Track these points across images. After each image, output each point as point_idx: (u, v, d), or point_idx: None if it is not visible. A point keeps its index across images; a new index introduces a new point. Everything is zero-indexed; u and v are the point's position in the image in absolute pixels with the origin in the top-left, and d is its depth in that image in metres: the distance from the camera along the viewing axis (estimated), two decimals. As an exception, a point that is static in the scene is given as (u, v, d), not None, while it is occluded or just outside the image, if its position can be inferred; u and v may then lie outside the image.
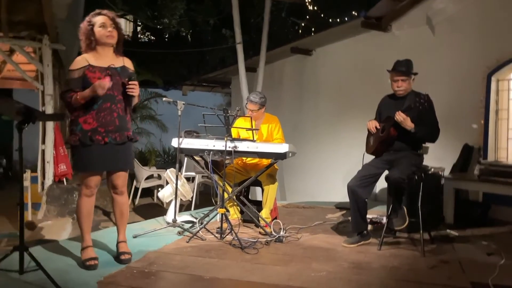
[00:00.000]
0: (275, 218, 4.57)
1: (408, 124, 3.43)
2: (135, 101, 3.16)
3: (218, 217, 3.89)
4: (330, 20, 12.67)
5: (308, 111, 7.31)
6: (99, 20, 2.95)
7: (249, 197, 4.99)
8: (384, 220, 4.51)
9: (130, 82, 2.98)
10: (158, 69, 13.66)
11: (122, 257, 3.09)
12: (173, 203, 4.22)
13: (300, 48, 7.07)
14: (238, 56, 6.78)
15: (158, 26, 14.42)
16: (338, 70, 6.76)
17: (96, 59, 2.94)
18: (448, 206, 4.52)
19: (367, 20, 5.79)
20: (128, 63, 3.12)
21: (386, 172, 3.64)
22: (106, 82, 2.86)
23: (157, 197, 5.68)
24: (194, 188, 6.33)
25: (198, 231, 3.76)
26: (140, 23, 17.18)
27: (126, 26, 19.30)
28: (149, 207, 7.78)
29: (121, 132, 2.98)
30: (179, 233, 3.87)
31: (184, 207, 6.03)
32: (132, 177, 8.14)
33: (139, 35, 18.48)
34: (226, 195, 3.99)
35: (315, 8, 12.08)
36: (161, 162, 9.68)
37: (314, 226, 4.40)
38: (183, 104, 3.86)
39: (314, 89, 7.18)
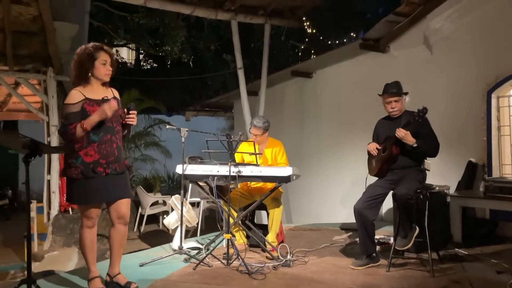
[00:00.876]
0: (282, 241, 4.54)
1: (410, 139, 3.46)
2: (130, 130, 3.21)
3: (224, 242, 3.88)
4: (329, 42, 12.87)
5: (310, 133, 7.34)
6: (101, 57, 2.96)
7: (255, 221, 4.98)
8: (392, 240, 4.49)
9: (130, 112, 3.04)
10: (161, 95, 13.80)
11: (132, 286, 3.05)
12: (178, 230, 4.22)
13: (300, 71, 7.16)
14: (239, 81, 6.88)
15: (160, 54, 14.69)
16: (338, 92, 6.83)
17: (89, 92, 2.95)
18: (455, 224, 4.49)
19: (365, 42, 5.88)
20: (116, 94, 3.14)
21: (391, 192, 3.64)
22: (114, 104, 2.92)
23: (163, 223, 5.65)
24: (199, 214, 6.33)
25: (204, 258, 3.74)
26: (142, 51, 17.50)
27: (129, 54, 19.67)
28: (155, 234, 7.75)
29: (119, 162, 2.99)
30: (186, 260, 3.85)
31: (190, 233, 6.01)
32: (137, 204, 8.16)
33: (141, 63, 18.78)
34: (231, 220, 3.99)
35: (314, 31, 12.28)
36: (165, 188, 9.69)
37: (321, 248, 4.37)
38: (187, 131, 3.90)
39: (315, 111, 7.24)
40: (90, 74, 2.95)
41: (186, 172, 3.93)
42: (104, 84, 3.05)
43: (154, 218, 8.24)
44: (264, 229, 4.35)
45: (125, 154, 3.20)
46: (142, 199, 7.84)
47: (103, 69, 2.97)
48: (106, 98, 2.99)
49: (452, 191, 4.72)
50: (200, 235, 5.83)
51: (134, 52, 18.85)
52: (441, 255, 3.82)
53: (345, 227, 5.42)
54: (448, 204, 4.49)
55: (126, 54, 19.67)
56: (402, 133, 3.45)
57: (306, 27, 11.32)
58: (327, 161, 6.94)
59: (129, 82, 12.16)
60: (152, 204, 7.96)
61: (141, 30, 12.44)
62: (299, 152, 7.12)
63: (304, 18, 9.22)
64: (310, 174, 6.93)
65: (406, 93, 3.69)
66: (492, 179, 4.44)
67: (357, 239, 4.71)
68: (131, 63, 19.05)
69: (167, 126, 3.96)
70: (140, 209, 7.99)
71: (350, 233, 5.13)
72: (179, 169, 3.96)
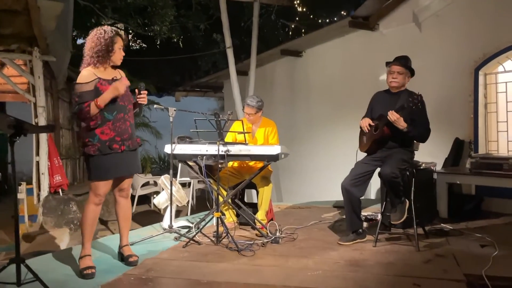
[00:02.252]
0: (271, 219, 4.60)
1: (401, 123, 3.47)
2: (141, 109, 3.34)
3: (214, 221, 3.91)
4: (320, 21, 12.76)
5: (300, 112, 7.35)
6: (119, 42, 3.09)
7: (245, 199, 5.02)
8: (379, 217, 4.57)
9: (142, 92, 3.20)
10: (151, 76, 13.70)
11: (131, 259, 3.20)
12: (168, 209, 4.24)
13: (290, 50, 7.12)
14: (228, 60, 6.82)
15: (149, 34, 14.49)
16: (328, 70, 6.82)
17: (101, 73, 3.04)
18: (441, 200, 4.57)
19: (354, 20, 5.84)
20: (123, 74, 3.24)
21: (379, 169, 3.68)
22: (126, 82, 3.07)
23: (154, 204, 5.67)
24: (190, 193, 6.36)
25: (194, 236, 3.78)
26: (131, 31, 17.24)
27: (120, 33, 19.32)
28: (146, 214, 7.78)
29: (133, 139, 3.17)
30: (176, 238, 3.89)
31: (181, 212, 6.05)
32: (128, 185, 8.14)
33: (131, 43, 18.54)
34: (221, 199, 4.02)
35: (304, 9, 12.15)
36: (156, 169, 9.68)
37: (310, 226, 4.43)
38: (175, 110, 3.89)
39: (306, 90, 7.23)
40: (110, 56, 3.04)
41: (175, 152, 3.93)
42: (113, 66, 3.16)
43: (145, 199, 8.26)
44: (254, 207, 4.39)
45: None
46: (133, 180, 7.77)
47: (119, 54, 3.10)
48: (115, 78, 3.10)
49: (439, 168, 4.78)
50: (191, 214, 5.87)
51: (123, 32, 18.56)
52: (427, 230, 3.89)
53: (337, 205, 5.48)
54: (435, 181, 4.55)
55: (116, 34, 19.34)
56: (394, 117, 3.45)
57: (296, 5, 11.20)
58: (319, 141, 6.97)
59: (123, 62, 11.93)
60: (143, 185, 7.97)
61: (129, 9, 12.20)
62: (290, 132, 7.14)
63: (294, -4, 9.13)
64: (301, 154, 6.97)
65: (412, 70, 3.67)
66: (478, 155, 4.50)
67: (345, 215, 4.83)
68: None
69: (155, 106, 3.94)
70: (131, 190, 7.98)
71: (340, 210, 5.19)
72: (167, 149, 3.95)
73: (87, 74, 3.01)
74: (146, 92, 3.24)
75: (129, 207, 3.36)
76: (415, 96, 3.40)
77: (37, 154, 6.27)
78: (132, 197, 7.93)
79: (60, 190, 6.45)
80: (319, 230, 4.26)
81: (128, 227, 3.37)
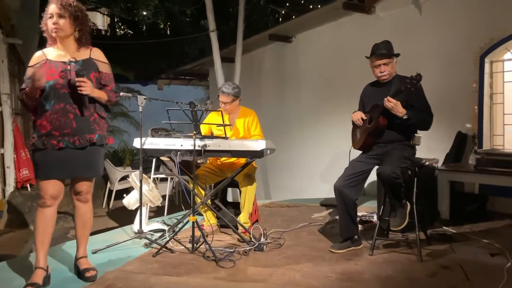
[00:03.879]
0: (256, 221, 4.17)
1: (400, 110, 3.03)
2: (101, 98, 2.71)
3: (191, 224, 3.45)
4: (311, 6, 12.23)
5: (290, 102, 6.90)
6: (48, 10, 2.61)
7: (228, 199, 4.57)
8: (375, 218, 4.16)
9: (77, 79, 2.55)
10: (135, 63, 13.17)
11: (88, 274, 2.73)
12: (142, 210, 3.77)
13: (279, 35, 6.63)
14: (212, 45, 6.29)
15: (134, 19, 13.90)
16: (320, 57, 6.35)
17: (56, 53, 2.65)
18: (443, 200, 4.16)
19: (349, 1, 5.36)
20: (96, 55, 2.73)
21: (376, 168, 3.26)
22: (40, 71, 2.50)
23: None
24: (168, 188, 5.86)
25: (166, 243, 3.31)
26: (117, 17, 16.65)
27: (104, 20, 18.72)
28: (124, 210, 7.20)
29: (81, 135, 2.62)
30: (146, 245, 3.43)
31: (158, 211, 5.58)
32: (106, 178, 7.65)
33: (116, 29, 17.96)
34: (198, 200, 3.56)
35: (295, -7, 11.62)
36: (137, 161, 9.15)
37: (299, 228, 4.00)
38: (144, 98, 3.40)
39: (296, 78, 6.76)
40: (48, 31, 2.64)
41: (145, 146, 3.45)
42: (79, 43, 2.67)
43: (123, 194, 7.75)
44: (238, 207, 3.94)
45: (101, 128, 2.78)
46: (110, 173, 7.33)
47: (49, 23, 2.61)
48: (73, 59, 2.62)
49: (440, 164, 4.37)
50: (171, 214, 5.42)
51: (107, 18, 17.96)
52: (429, 235, 3.49)
53: (325, 203, 5.07)
54: (436, 178, 4.13)
55: (101, 20, 18.83)
56: (391, 103, 3.02)
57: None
58: (309, 133, 6.53)
59: (103, 48, 11.43)
60: (122, 179, 7.45)
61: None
62: (279, 123, 6.69)
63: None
64: (290, 147, 6.53)
65: (397, 55, 3.24)
66: (484, 151, 4.09)
67: (337, 217, 4.40)
68: (106, 30, 18.19)
69: (121, 93, 3.44)
70: (108, 184, 7.49)
71: (331, 209, 4.78)
72: (136, 143, 3.47)
73: (36, 56, 2.67)
74: (84, 79, 2.53)
75: (86, 213, 2.85)
76: (413, 76, 2.94)
77: (2, 146, 5.74)
78: (110, 191, 7.45)
79: (28, 185, 5.94)
80: (309, 234, 3.82)
81: (86, 236, 2.89)
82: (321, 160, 6.31)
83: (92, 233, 3.32)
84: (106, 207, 7.48)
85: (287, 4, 12.35)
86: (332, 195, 5.66)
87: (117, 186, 7.31)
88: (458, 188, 4.41)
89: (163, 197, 6.54)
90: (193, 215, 3.25)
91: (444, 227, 3.88)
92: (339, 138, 5.95)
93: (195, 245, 3.27)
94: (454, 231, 3.77)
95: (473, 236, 3.61)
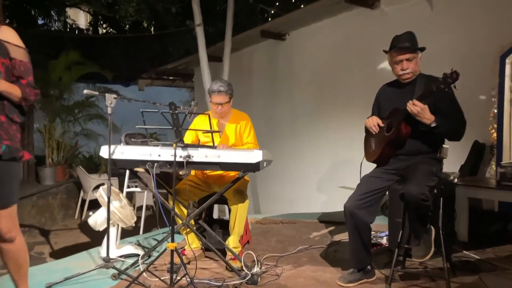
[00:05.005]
0: (247, 242, 3.59)
1: (427, 115, 2.49)
2: (12, 94, 2.00)
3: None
4: (302, 6, 11.73)
5: (282, 105, 6.35)
6: None
7: (214, 215, 3.97)
8: (384, 239, 3.61)
9: None
10: (117, 63, 12.56)
11: None
12: (111, 231, 3.15)
13: (272, 32, 6.09)
14: (198, 41, 5.69)
15: (116, 16, 13.29)
16: (317, 57, 5.83)
17: None
18: (461, 220, 3.64)
19: (351, -6, 4.84)
20: (7, 35, 2.02)
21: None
22: None
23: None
24: (145, 199, 5.24)
25: (139, 275, 2.70)
26: (99, 15, 16.03)
27: (87, 18, 18.02)
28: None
29: None
30: (114, 277, 2.81)
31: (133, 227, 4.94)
32: (79, 187, 6.98)
33: (98, 28, 17.30)
34: (179, 221, 2.96)
35: (286, -8, 11.08)
36: (114, 168, 8.48)
37: (297, 253, 3.42)
38: (114, 98, 2.79)
39: (289, 79, 6.23)
40: None
41: (115, 156, 2.82)
42: None
43: (98, 204, 7.09)
44: (226, 226, 3.34)
45: (12, 137, 2.04)
46: (84, 181, 6.66)
47: None
48: None
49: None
50: (153, 227, 4.80)
51: (91, 17, 17.26)
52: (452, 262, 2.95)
53: (324, 219, 4.51)
54: (454, 195, 3.60)
55: (84, 19, 18.10)
56: (417, 107, 2.47)
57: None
58: (303, 139, 5.99)
59: (86, 48, 10.81)
60: (96, 187, 6.78)
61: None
62: (270, 128, 6.14)
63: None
64: (283, 154, 5.97)
65: (422, 49, 2.70)
66: (509, 164, 3.57)
67: (340, 237, 3.86)
68: (88, 28, 17.47)
69: (85, 91, 2.82)
70: (81, 193, 6.81)
71: (331, 227, 4.23)
72: (104, 152, 2.84)
73: None
74: None
75: (17, 252, 2.13)
76: (448, 74, 2.39)
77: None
78: (83, 201, 6.78)
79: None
80: (309, 261, 3.25)
81: (24, 275, 2.21)
82: (316, 168, 5.77)
83: (55, 253, 2.71)
84: (79, 218, 6.82)
85: (277, 3, 11.83)
86: (328, 207, 5.09)
87: (91, 196, 6.64)
88: (474, 205, 3.88)
89: (140, 208, 5.96)
90: (172, 241, 2.64)
91: (464, 251, 3.36)
92: (336, 145, 5.45)
93: (174, 277, 2.65)
94: (477, 257, 3.25)
95: (500, 264, 3.09)
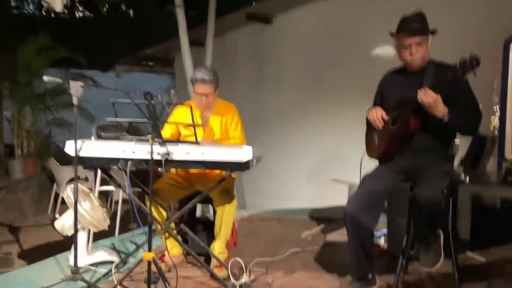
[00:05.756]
0: (234, 245, 3.29)
1: (440, 107, 2.18)
2: None
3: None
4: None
5: (269, 94, 6.02)
6: None
7: (196, 214, 3.64)
8: (382, 240, 3.35)
9: None
10: (93, 48, 12.12)
11: None
12: (79, 236, 2.80)
13: (258, 15, 5.71)
14: (178, 23, 5.26)
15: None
16: (306, 42, 5.50)
17: None
18: (463, 217, 3.39)
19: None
20: None
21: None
22: None
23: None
24: (121, 193, 4.88)
25: (111, 290, 2.36)
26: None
27: (63, 1, 17.37)
28: (72, 219, 6.22)
29: None
30: (83, 291, 2.46)
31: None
32: (52, 180, 6.54)
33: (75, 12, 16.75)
34: (158, 226, 2.63)
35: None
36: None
37: (288, 256, 3.12)
38: (81, 86, 2.40)
39: (277, 66, 5.89)
40: None
41: (83, 154, 2.45)
42: None
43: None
44: (210, 227, 3.01)
45: None
46: (57, 174, 6.21)
47: None
48: None
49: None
50: (130, 223, 4.46)
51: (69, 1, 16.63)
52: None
53: (315, 216, 4.23)
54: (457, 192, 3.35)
55: (60, 2, 17.45)
56: (429, 97, 2.16)
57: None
58: (291, 131, 5.70)
59: (60, 33, 10.27)
60: (71, 180, 6.34)
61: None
62: (255, 119, 5.80)
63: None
64: (269, 147, 5.65)
65: (434, 32, 2.39)
66: (515, 159, 3.33)
67: (334, 236, 3.59)
68: (64, 12, 16.79)
69: (45, 78, 2.43)
70: (54, 187, 6.38)
71: (322, 225, 3.94)
72: (69, 148, 2.46)
73: None
74: None
75: None
76: (466, 60, 2.08)
77: None
78: (56, 195, 6.35)
79: None
80: (303, 265, 2.97)
81: None
82: (305, 161, 5.50)
83: (25, 254, 2.34)
84: (52, 214, 6.39)
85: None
86: (318, 201, 4.79)
87: (65, 189, 6.20)
88: (475, 201, 3.65)
89: (116, 203, 5.58)
90: (150, 250, 2.30)
91: (468, 252, 3.12)
92: (327, 136, 5.16)
93: (152, 290, 2.32)
94: (483, 260, 3.01)
95: (508, 266, 2.87)
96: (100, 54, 11.95)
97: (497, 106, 3.90)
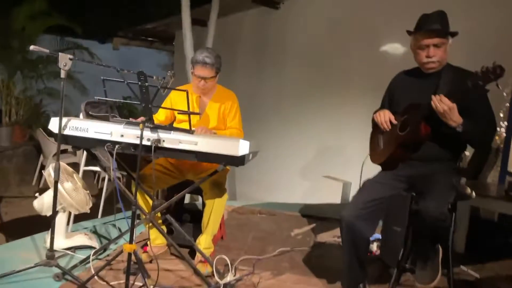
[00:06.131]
0: (221, 238, 3.15)
1: (454, 117, 2.03)
2: None
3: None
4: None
5: (269, 81, 5.83)
6: None
7: (184, 202, 3.49)
8: (375, 246, 3.23)
9: None
10: (91, 17, 11.80)
11: None
12: (59, 218, 2.65)
13: (265, -2, 5.48)
14: (182, 0, 5.03)
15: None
16: (314, 29, 5.30)
17: None
18: (460, 229, 3.28)
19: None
20: None
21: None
22: None
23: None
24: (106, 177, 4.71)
25: (89, 279, 2.21)
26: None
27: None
28: (57, 193, 6.05)
29: None
30: (57, 277, 2.32)
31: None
32: (39, 151, 6.36)
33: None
34: (143, 216, 2.48)
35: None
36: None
37: (278, 255, 3.00)
38: (70, 58, 2.21)
39: (280, 52, 5.70)
40: None
41: (67, 132, 2.27)
42: None
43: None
44: (197, 218, 2.86)
45: None
46: (44, 145, 6.02)
47: None
48: None
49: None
50: (116, 203, 4.30)
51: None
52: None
53: (306, 213, 4.11)
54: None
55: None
56: (444, 105, 2.00)
57: None
58: (289, 122, 5.56)
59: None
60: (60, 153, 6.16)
61: None
62: (252, 107, 5.61)
63: None
64: (264, 138, 5.52)
65: (454, 34, 2.22)
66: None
67: (324, 237, 3.47)
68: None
69: (32, 47, 2.23)
70: (41, 158, 6.19)
71: (313, 224, 3.82)
72: (54, 125, 2.28)
73: None
74: None
75: None
76: (489, 68, 1.92)
77: None
78: (42, 167, 6.17)
79: None
80: (291, 266, 2.84)
81: None
82: (300, 155, 5.36)
83: (5, 226, 2.20)
84: (36, 185, 6.22)
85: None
86: (311, 199, 4.65)
87: (52, 161, 6.00)
88: (473, 214, 3.54)
89: (103, 180, 5.41)
90: (131, 242, 2.15)
91: (462, 266, 3.02)
92: (324, 132, 5.01)
93: (131, 283, 2.18)
94: (478, 276, 2.91)
95: (505, 285, 2.78)
96: (98, 24, 11.67)
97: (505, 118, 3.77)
